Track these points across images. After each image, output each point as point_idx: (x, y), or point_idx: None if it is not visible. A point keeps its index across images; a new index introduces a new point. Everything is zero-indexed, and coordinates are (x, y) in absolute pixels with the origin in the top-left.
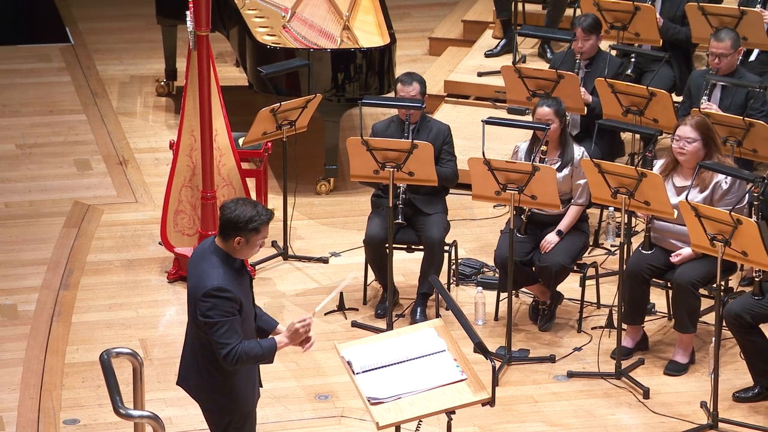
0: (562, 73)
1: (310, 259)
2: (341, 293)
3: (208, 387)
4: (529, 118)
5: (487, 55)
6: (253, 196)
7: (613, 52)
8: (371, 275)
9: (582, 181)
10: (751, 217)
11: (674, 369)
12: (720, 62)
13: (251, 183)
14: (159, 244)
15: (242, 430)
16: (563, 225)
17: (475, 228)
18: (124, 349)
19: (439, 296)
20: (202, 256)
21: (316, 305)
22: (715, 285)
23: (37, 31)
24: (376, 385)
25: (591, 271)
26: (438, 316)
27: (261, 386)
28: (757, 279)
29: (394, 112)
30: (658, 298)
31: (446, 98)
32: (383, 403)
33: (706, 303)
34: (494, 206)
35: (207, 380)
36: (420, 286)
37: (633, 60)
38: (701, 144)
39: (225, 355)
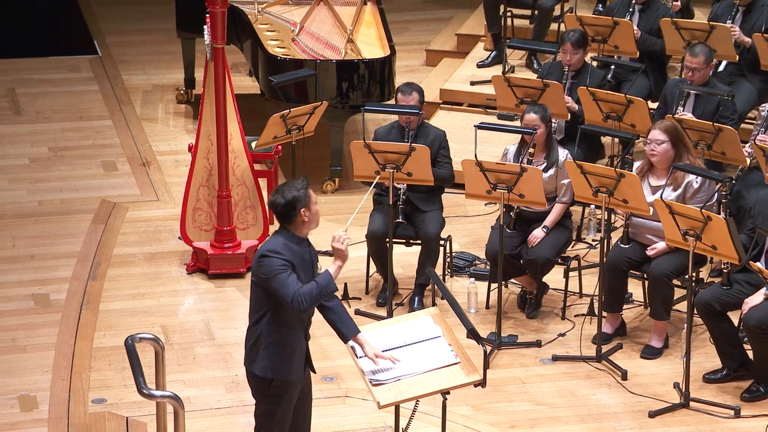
0: (547, 82)
1: (317, 253)
2: (346, 284)
3: (258, 345)
4: (517, 123)
5: (479, 66)
6: (265, 195)
7: (594, 63)
8: (373, 267)
9: (566, 181)
10: (720, 214)
11: (650, 353)
12: (693, 75)
13: (263, 183)
14: (179, 238)
15: (281, 400)
16: (549, 221)
17: (468, 224)
18: (147, 335)
19: (435, 287)
20: (269, 237)
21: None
22: (687, 276)
23: (68, 44)
24: (377, 368)
25: (574, 264)
26: (434, 304)
27: (313, 371)
28: (725, 270)
29: (395, 118)
30: (635, 288)
31: (442, 105)
32: (384, 384)
33: (679, 292)
34: (486, 204)
35: (258, 340)
36: (418, 278)
37: (612, 69)
38: (670, 145)
39: (291, 300)
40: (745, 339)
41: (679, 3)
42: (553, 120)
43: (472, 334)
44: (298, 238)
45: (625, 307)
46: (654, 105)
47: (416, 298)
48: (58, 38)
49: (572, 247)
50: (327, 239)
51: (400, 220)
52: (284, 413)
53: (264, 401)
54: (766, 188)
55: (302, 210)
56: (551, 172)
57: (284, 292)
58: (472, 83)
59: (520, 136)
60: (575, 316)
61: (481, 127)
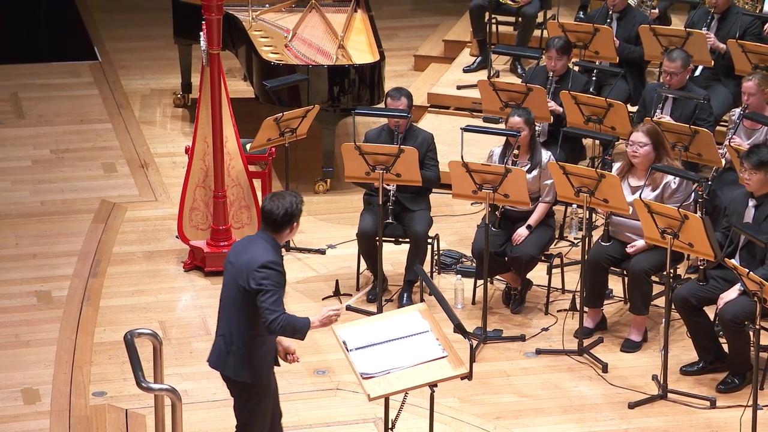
0: (531, 86)
1: (309, 251)
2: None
3: (252, 355)
4: (502, 126)
5: (465, 71)
6: (259, 195)
7: (576, 68)
8: (363, 265)
9: (549, 182)
10: (697, 213)
11: (629, 346)
12: (671, 79)
13: (257, 183)
14: (176, 237)
15: (264, 398)
16: (532, 220)
17: (455, 223)
18: (146, 330)
19: (423, 283)
20: (253, 241)
21: (325, 295)
22: (665, 273)
23: (69, 50)
24: (367, 361)
25: (557, 261)
26: (422, 300)
27: (278, 365)
28: (701, 267)
29: (385, 121)
30: (616, 285)
31: (429, 109)
32: (374, 377)
33: (657, 288)
34: (472, 204)
35: (252, 350)
36: (406, 275)
37: (594, 76)
38: (651, 148)
39: (272, 320)
40: (721, 333)
41: (657, 11)
42: (537, 124)
43: (459, 328)
44: (279, 246)
45: (605, 302)
46: (633, 108)
47: (405, 295)
48: (60, 44)
49: (555, 245)
50: (321, 237)
51: (390, 220)
52: (266, 409)
53: (249, 403)
54: (740, 188)
55: (295, 224)
56: (535, 173)
57: (270, 310)
58: (459, 87)
59: (504, 138)
60: (558, 311)
61: (467, 129)
